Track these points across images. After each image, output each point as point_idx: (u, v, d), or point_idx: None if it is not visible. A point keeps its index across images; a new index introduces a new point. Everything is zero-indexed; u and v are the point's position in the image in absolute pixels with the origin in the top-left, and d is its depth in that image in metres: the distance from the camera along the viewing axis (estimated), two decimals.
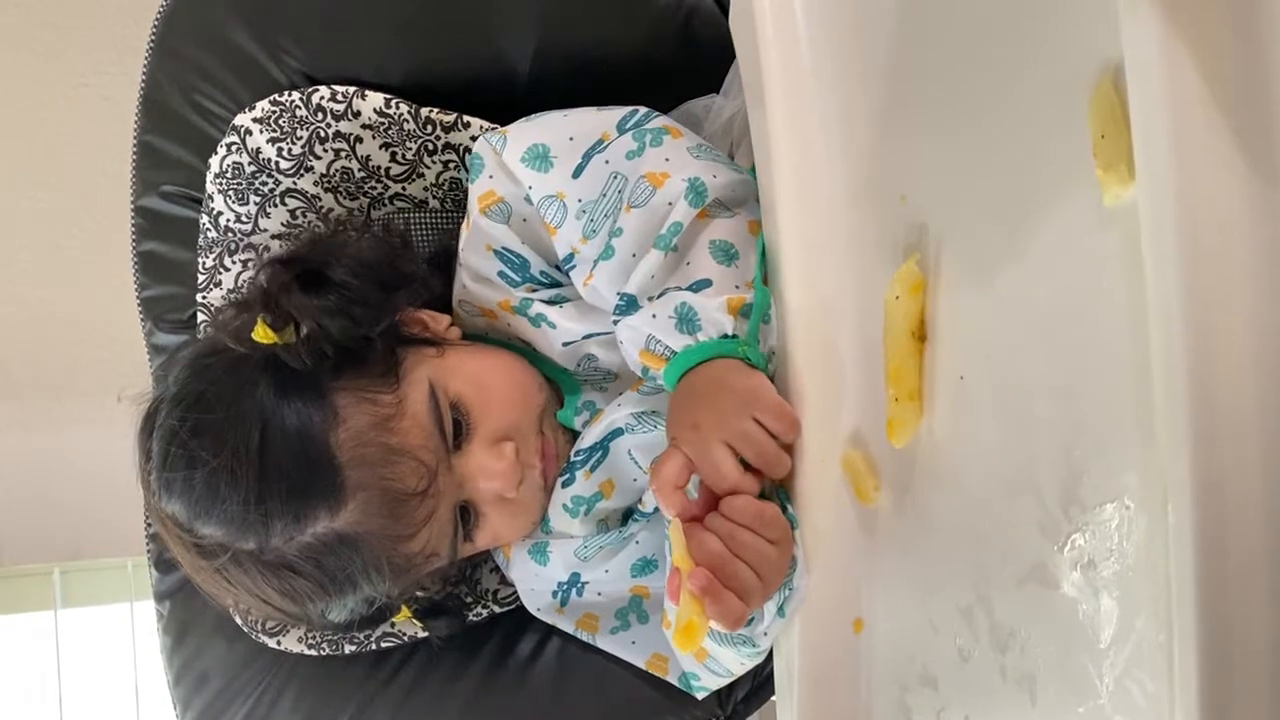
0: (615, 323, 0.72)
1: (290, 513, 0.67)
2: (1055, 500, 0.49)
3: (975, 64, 0.54)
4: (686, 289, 0.69)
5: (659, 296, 0.69)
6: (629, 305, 0.71)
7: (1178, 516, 0.39)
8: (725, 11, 0.79)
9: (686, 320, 0.68)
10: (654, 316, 0.69)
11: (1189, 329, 0.39)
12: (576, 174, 0.74)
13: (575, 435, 0.82)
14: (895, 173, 0.63)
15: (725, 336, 0.68)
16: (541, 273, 0.80)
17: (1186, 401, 0.39)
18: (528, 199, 0.77)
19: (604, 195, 0.73)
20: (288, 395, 0.70)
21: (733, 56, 0.75)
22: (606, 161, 0.74)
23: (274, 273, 0.76)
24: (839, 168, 0.66)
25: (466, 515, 0.76)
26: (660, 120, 0.76)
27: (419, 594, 0.83)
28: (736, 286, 0.69)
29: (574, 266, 0.76)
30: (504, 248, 0.79)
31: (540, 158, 0.75)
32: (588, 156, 0.74)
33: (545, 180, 0.75)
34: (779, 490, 0.69)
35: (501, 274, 0.80)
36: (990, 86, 0.53)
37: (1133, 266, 0.42)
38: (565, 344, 0.80)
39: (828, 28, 0.67)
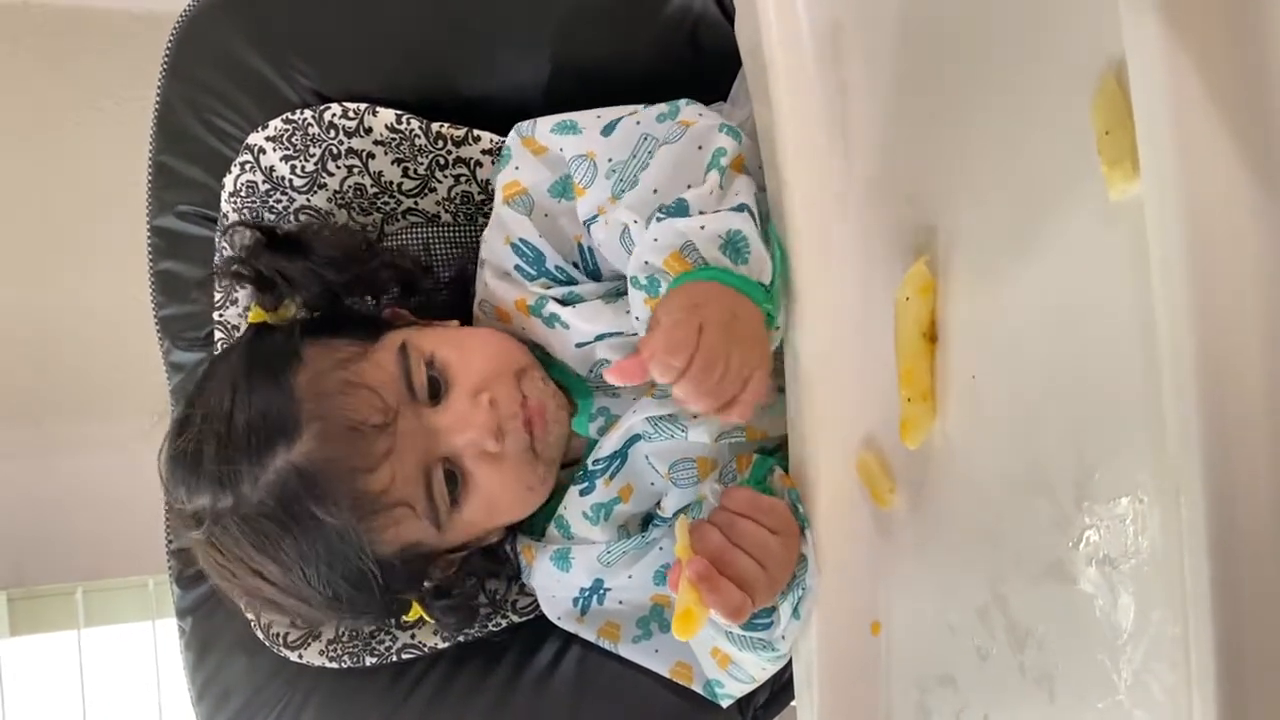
0: (659, 220, 0.68)
1: (253, 452, 0.69)
2: (1069, 497, 0.49)
3: (980, 64, 0.55)
4: (735, 211, 0.67)
5: (715, 213, 0.67)
6: (679, 209, 0.68)
7: (1190, 510, 0.39)
8: (730, 20, 0.80)
9: (735, 247, 0.66)
10: (702, 228, 0.66)
11: (1196, 323, 0.39)
12: (607, 132, 0.75)
13: (591, 444, 0.82)
14: (903, 174, 0.63)
15: (763, 286, 0.66)
16: (557, 268, 0.80)
17: (1196, 395, 0.39)
18: (550, 188, 0.78)
19: (634, 156, 0.72)
20: (261, 354, 0.73)
21: (739, 64, 0.75)
22: (638, 123, 0.74)
23: (241, 234, 0.80)
24: (847, 171, 0.67)
25: (455, 477, 0.75)
26: (694, 101, 0.77)
27: (425, 584, 0.82)
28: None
29: (596, 222, 0.75)
30: (521, 239, 0.79)
31: (570, 128, 0.77)
32: (617, 120, 0.76)
33: (576, 141, 0.76)
34: (791, 491, 0.69)
35: (518, 268, 0.80)
36: (996, 86, 0.53)
37: (1140, 262, 0.42)
38: (578, 345, 0.79)
39: (832, 32, 0.67)
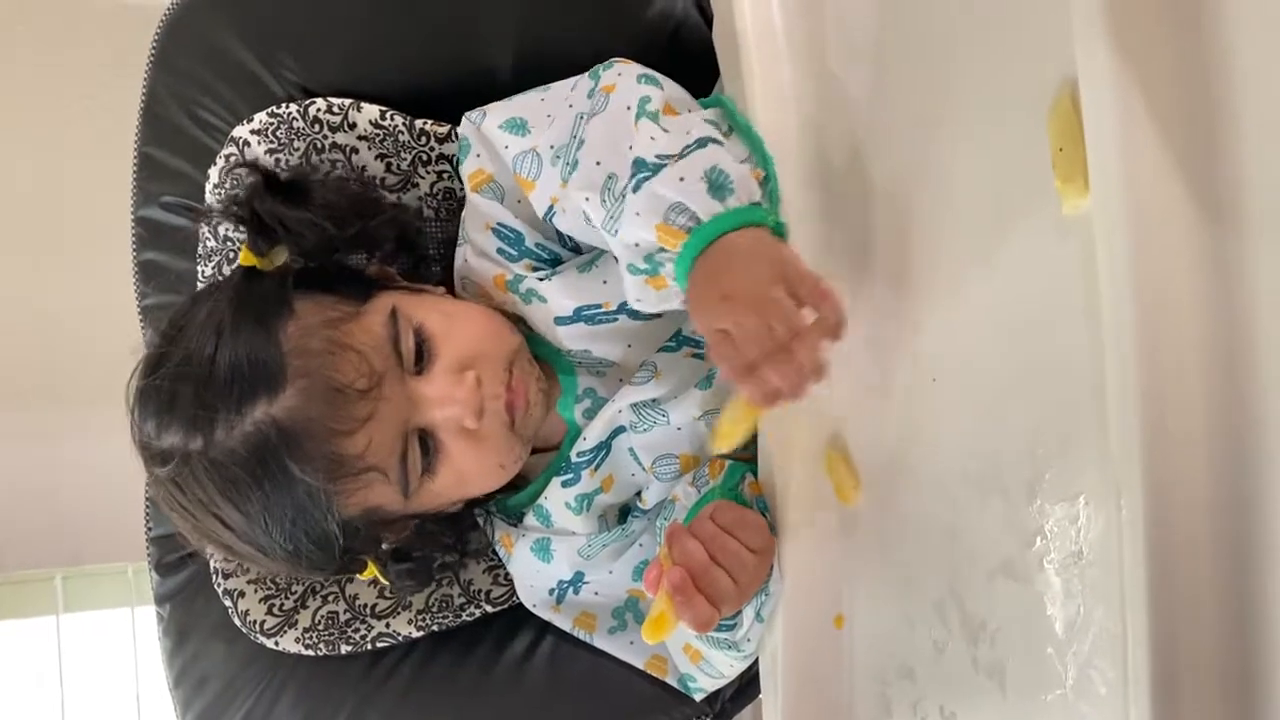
0: (635, 188, 0.65)
1: (233, 399, 0.68)
2: (1021, 498, 0.51)
3: (946, 80, 0.56)
4: (709, 143, 0.65)
5: (681, 158, 0.64)
6: (653, 169, 0.64)
7: (1129, 512, 0.41)
8: (711, 25, 0.81)
9: (717, 185, 0.63)
10: (681, 180, 0.63)
11: (1138, 332, 0.41)
12: (549, 126, 0.75)
13: (571, 430, 0.83)
14: (870, 179, 0.64)
15: (755, 204, 0.63)
16: (538, 244, 0.80)
17: (1137, 401, 0.41)
18: (511, 167, 0.78)
19: (574, 136, 0.72)
20: (250, 300, 0.72)
21: (718, 69, 0.77)
22: (570, 106, 0.74)
23: (250, 180, 0.78)
24: (815, 178, 0.68)
25: (428, 446, 0.75)
26: (619, 60, 0.75)
27: (383, 546, 0.82)
28: (742, 161, 0.66)
29: (554, 213, 0.76)
30: (499, 224, 0.80)
31: (519, 126, 0.77)
32: (558, 111, 0.75)
33: (522, 140, 0.76)
34: (759, 500, 0.71)
35: (500, 250, 0.81)
36: (960, 102, 0.55)
37: (1090, 274, 0.44)
38: (558, 320, 0.79)
39: (805, 44, 0.69)
